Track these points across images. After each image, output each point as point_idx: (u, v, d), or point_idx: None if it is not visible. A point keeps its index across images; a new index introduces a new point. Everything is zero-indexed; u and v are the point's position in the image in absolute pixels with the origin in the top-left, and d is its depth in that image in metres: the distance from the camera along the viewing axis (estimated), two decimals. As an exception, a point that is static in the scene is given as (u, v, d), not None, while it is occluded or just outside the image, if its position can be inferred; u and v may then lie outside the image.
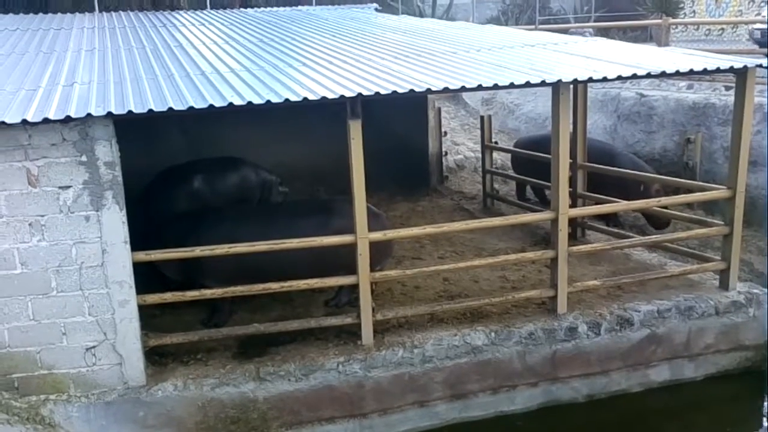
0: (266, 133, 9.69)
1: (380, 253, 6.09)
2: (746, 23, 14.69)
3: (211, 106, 4.85)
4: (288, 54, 7.17)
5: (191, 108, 4.83)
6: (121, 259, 5.17)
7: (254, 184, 8.18)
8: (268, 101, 4.96)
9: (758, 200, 9.33)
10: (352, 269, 5.73)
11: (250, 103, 4.92)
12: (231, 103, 4.89)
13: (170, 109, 4.81)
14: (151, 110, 4.79)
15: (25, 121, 4.60)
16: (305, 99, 5.03)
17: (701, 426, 6.15)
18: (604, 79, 5.66)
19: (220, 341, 5.92)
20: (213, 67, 6.33)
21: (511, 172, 11.14)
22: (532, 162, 8.98)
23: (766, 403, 6.52)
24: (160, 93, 5.29)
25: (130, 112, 4.78)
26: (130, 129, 5.44)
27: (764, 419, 6.32)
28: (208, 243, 5.61)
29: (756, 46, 13.99)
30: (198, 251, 5.56)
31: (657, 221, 8.57)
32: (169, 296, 5.63)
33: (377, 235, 5.76)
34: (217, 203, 7.51)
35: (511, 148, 10.84)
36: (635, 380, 6.42)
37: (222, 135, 9.42)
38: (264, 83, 5.58)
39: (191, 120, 7.25)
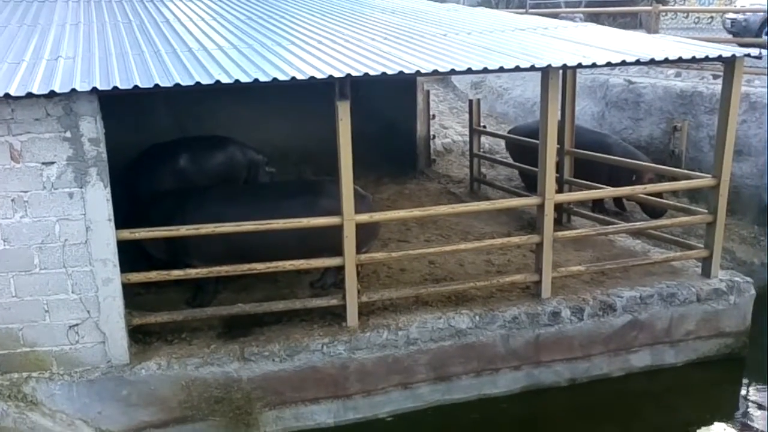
0: (254, 113, 9.62)
1: (366, 235, 6.09)
2: (735, 12, 14.75)
3: (198, 83, 4.80)
4: (276, 32, 7.09)
5: (177, 85, 4.77)
6: (105, 236, 5.12)
7: (241, 164, 8.12)
8: (256, 80, 4.90)
9: (742, 189, 9.43)
10: (338, 251, 5.72)
11: (237, 81, 4.86)
12: (218, 81, 4.83)
13: (156, 85, 4.74)
14: (136, 86, 4.72)
15: (7, 95, 4.52)
16: (293, 78, 4.98)
17: (680, 410, 6.24)
18: (594, 65, 5.65)
19: (204, 321, 5.91)
20: (200, 44, 6.25)
21: (498, 157, 11.16)
22: (528, 149, 8.82)
23: (743, 389, 6.63)
24: (146, 69, 5.22)
25: (115, 87, 4.71)
26: (116, 105, 5.37)
27: (740, 404, 6.43)
28: (194, 222, 5.57)
29: (730, 36, 14.11)
30: (183, 230, 5.52)
31: (653, 211, 8.51)
32: (153, 275, 5.60)
33: (364, 217, 5.76)
34: (203, 182, 7.46)
35: (500, 132, 10.84)
36: (617, 365, 6.50)
37: (209, 113, 9.34)
38: (252, 61, 5.52)
39: (178, 97, 7.16)
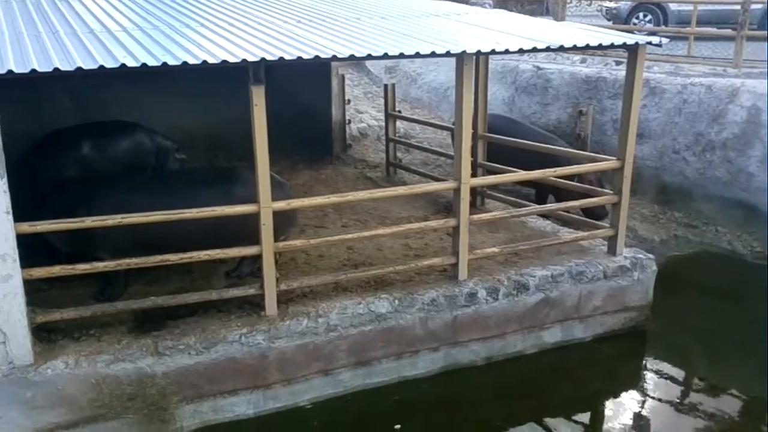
0: (161, 97, 9.25)
1: (284, 223, 5.99)
2: (638, 2, 15.75)
3: (102, 67, 4.54)
4: (184, 14, 6.82)
5: (79, 69, 4.49)
6: (3, 230, 4.78)
7: (149, 150, 7.78)
8: (165, 64, 4.69)
9: (643, 170, 9.95)
10: (255, 239, 5.60)
11: (144, 65, 4.64)
12: (124, 65, 4.59)
13: (56, 69, 4.45)
14: (34, 70, 4.41)
15: None
16: (205, 62, 4.80)
17: (590, 383, 6.54)
18: (507, 52, 5.75)
19: (114, 316, 5.65)
20: (102, 25, 5.93)
21: (414, 141, 11.27)
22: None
23: (645, 361, 7.01)
24: (44, 51, 4.89)
25: (10, 71, 4.38)
26: (11, 90, 5.01)
27: (643, 375, 6.80)
28: (101, 213, 5.30)
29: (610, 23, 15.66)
30: (89, 222, 5.24)
31: (594, 214, 8.21)
32: (57, 270, 5.28)
33: (281, 205, 5.65)
34: (108, 170, 7.11)
35: (415, 117, 10.91)
36: (530, 342, 6.73)
37: (113, 97, 8.92)
38: (159, 44, 5.29)
39: (79, 81, 6.78)
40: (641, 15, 16.02)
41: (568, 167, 7.16)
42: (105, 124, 7.82)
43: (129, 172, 7.31)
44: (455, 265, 6.39)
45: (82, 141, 7.36)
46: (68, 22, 6.04)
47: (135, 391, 5.31)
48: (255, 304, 5.84)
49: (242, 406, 5.72)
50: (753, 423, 5.99)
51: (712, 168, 9.51)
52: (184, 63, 4.74)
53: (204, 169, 7.90)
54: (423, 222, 7.04)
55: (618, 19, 16.10)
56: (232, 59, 4.87)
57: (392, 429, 5.74)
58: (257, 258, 5.75)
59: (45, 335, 5.38)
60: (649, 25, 15.38)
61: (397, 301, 6.07)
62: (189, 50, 5.09)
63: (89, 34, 5.55)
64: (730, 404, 6.22)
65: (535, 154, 7.88)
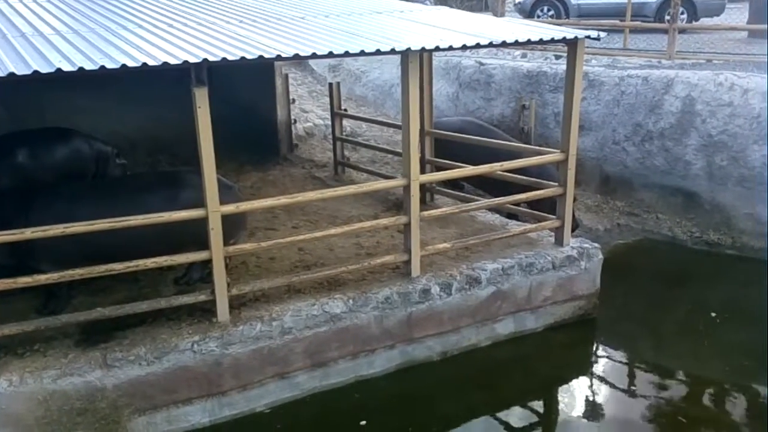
0: (99, 101, 9.00)
1: (234, 227, 5.89)
2: None
3: (36, 72, 4.36)
4: (120, 15, 6.63)
5: (12, 75, 4.31)
6: (-65, 246, 4.56)
7: (88, 157, 7.52)
8: (103, 67, 4.54)
9: (585, 161, 10.18)
10: (204, 244, 5.48)
11: (81, 69, 4.48)
12: (59, 70, 4.42)
13: (-15, 75, 4.27)
14: (-39, 77, 4.22)
15: None
16: (145, 65, 4.67)
17: (543, 372, 6.65)
18: (450, 48, 5.79)
19: (59, 329, 5.46)
20: (34, 29, 5.71)
21: (360, 139, 11.25)
22: (443, 143, 8.58)
23: (595, 347, 7.18)
24: (-29, 57, 4.68)
25: (-65, 78, 4.18)
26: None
27: (593, 361, 6.97)
28: (41, 223, 5.09)
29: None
30: (29, 233, 5.03)
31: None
32: (-4, 284, 5.07)
33: (230, 208, 5.55)
34: (45, 179, 6.84)
35: (361, 115, 10.87)
36: (484, 334, 6.81)
37: (47, 103, 8.61)
38: (96, 47, 5.11)
39: (10, 87, 6.51)
40: (545, 8, 16.68)
41: (513, 161, 7.17)
42: (40, 131, 7.52)
43: (68, 180, 7.05)
44: (408, 262, 6.41)
45: (16, 149, 7.07)
46: (-3, 25, 5.79)
47: (85, 406, 5.15)
48: (206, 311, 5.73)
49: (197, 415, 5.61)
50: (698, 404, 6.20)
51: (650, 157, 9.81)
52: (123, 66, 4.60)
53: (147, 174, 7.71)
54: (374, 220, 7.02)
55: (523, 12, 16.77)
56: (173, 61, 4.75)
57: (351, 429, 5.72)
58: (207, 263, 5.64)
59: (-15, 353, 5.16)
60: (551, 18, 16.03)
61: (351, 301, 6.05)
62: (127, 53, 4.95)
63: (20, 37, 5.34)
64: (677, 386, 6.44)
65: (503, 154, 7.81)
